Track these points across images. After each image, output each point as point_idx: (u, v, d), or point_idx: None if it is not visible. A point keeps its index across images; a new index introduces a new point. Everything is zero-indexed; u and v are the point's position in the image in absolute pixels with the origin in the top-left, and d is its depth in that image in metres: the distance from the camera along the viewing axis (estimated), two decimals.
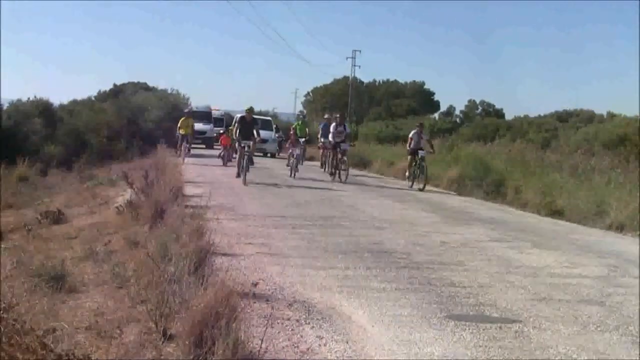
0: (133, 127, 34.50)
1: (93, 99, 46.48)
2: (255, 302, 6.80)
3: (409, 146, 22.30)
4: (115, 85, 52.63)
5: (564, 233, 13.36)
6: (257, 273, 8.30)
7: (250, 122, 20.93)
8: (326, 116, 28.63)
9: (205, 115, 39.14)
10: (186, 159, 26.73)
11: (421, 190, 20.82)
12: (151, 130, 34.40)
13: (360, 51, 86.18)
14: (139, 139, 32.77)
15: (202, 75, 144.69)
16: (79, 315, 7.12)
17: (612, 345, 6.27)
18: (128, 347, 5.70)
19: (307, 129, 29.28)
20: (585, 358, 5.85)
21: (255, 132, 20.72)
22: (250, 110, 21.45)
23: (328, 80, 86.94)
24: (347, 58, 77.39)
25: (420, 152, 21.79)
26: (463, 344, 6.08)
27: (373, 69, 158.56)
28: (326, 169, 26.58)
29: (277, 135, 39.90)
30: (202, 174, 21.25)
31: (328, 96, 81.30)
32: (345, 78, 79.53)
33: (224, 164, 26.80)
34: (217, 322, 5.26)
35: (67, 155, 30.99)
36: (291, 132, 26.99)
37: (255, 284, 7.36)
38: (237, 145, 20.99)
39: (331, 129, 23.40)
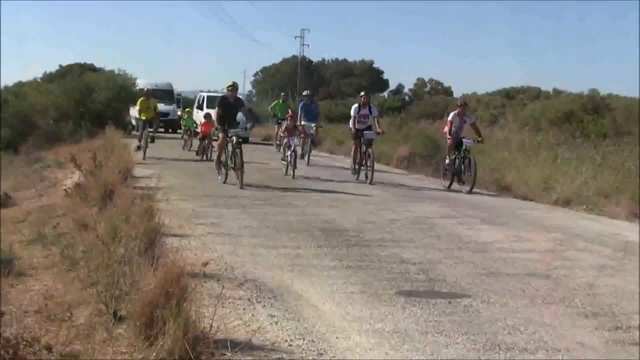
0: (81, 108, 33.94)
1: (39, 80, 45.62)
2: (206, 282, 6.78)
3: (449, 133, 16.74)
4: (61, 66, 51.74)
5: (513, 209, 13.54)
6: (208, 253, 8.29)
7: (234, 104, 15.66)
8: (305, 93, 23.90)
9: (167, 94, 35.94)
10: (148, 151, 21.07)
11: (469, 192, 15.65)
12: (99, 111, 33.87)
13: (308, 30, 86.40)
14: (87, 121, 32.27)
15: (148, 54, 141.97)
16: (28, 299, 7.04)
17: (558, 317, 6.39)
18: (78, 329, 5.65)
19: (289, 110, 23.50)
20: (532, 330, 5.96)
21: (242, 114, 16.25)
22: (234, 88, 15.88)
23: (277, 59, 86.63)
24: (295, 37, 77.26)
25: (465, 142, 16.37)
26: (413, 319, 6.16)
27: (322, 48, 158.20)
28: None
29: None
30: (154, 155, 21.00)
31: (278, 76, 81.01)
32: (295, 57, 79.31)
33: (204, 158, 21.84)
34: (167, 302, 5.23)
35: (13, 137, 30.45)
36: (288, 116, 19.36)
37: (205, 264, 7.31)
38: (219, 135, 16.02)
39: (352, 112, 17.55)
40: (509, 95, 52.84)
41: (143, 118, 22.07)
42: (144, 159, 19.76)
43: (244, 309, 6.25)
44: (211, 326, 5.16)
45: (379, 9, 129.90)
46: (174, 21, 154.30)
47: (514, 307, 6.65)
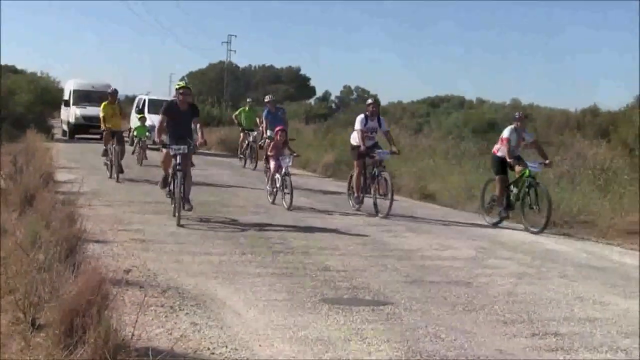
0: (1, 111, 33.19)
1: None
2: (128, 290, 6.71)
3: (508, 155, 12.71)
4: None
5: (437, 217, 13.69)
6: (131, 260, 8.21)
7: (186, 113, 11.69)
8: (268, 99, 19.72)
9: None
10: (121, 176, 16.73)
11: (539, 233, 12.00)
12: (21, 114, 33.17)
13: (235, 36, 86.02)
14: (8, 124, 31.54)
15: (73, 57, 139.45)
16: None
17: (478, 324, 6.50)
18: None
19: (257, 119, 22.01)
20: (453, 337, 6.05)
21: (198, 127, 11.90)
22: (186, 92, 11.80)
23: (204, 64, 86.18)
24: (222, 42, 76.89)
25: (531, 166, 12.62)
26: (337, 326, 6.19)
27: (249, 54, 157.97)
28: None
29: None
30: (76, 159, 20.63)
31: (204, 81, 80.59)
32: (221, 63, 79.00)
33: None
34: (88, 310, 5.16)
35: None
36: (276, 133, 14.69)
37: (128, 271, 7.26)
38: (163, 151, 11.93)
39: (357, 125, 13.73)
40: (433, 103, 53.65)
41: (109, 126, 17.25)
42: (118, 181, 16.26)
43: (166, 316, 6.19)
44: (132, 334, 5.10)
45: (305, 16, 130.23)
46: (98, 22, 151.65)
47: (436, 315, 6.73)
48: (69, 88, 34.93)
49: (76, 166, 18.63)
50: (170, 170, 11.55)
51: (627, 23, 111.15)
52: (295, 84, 79.35)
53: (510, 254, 10.08)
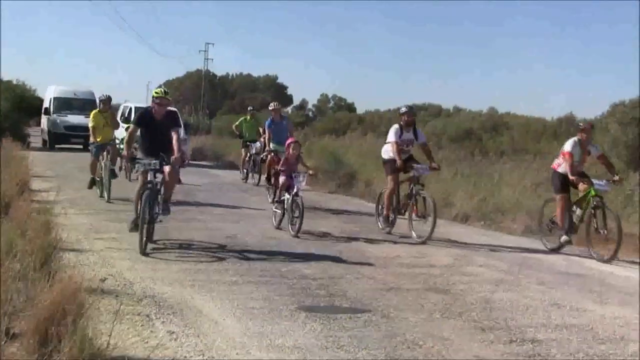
0: None
1: None
2: (103, 298, 6.68)
3: (571, 172, 11.14)
4: None
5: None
6: (107, 268, 8.17)
7: (162, 123, 10.08)
8: (272, 107, 17.27)
9: (89, 105, 28.15)
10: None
11: (608, 262, 10.52)
12: None
13: (213, 44, 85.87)
14: None
15: (47, 65, 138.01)
16: None
17: (455, 331, 6.51)
18: None
19: (260, 129, 19.62)
20: (431, 344, 6.06)
21: (174, 140, 9.94)
22: (163, 99, 10.16)
23: (181, 73, 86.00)
24: (199, 51, 76.83)
25: (597, 184, 11.19)
26: (314, 334, 6.17)
27: (227, 63, 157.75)
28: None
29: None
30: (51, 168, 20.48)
31: (181, 89, 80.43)
32: (199, 71, 78.92)
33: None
34: (63, 319, 5.12)
35: None
36: (289, 146, 12.51)
37: (103, 280, 7.24)
38: (133, 168, 11.93)
39: (391, 137, 12.15)
40: None
41: (97, 140, 15.04)
42: (108, 200, 14.21)
43: (142, 325, 6.15)
44: (108, 343, 5.06)
45: (282, 24, 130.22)
46: (74, 29, 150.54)
47: (413, 322, 6.74)
48: (49, 95, 33.19)
49: (52, 175, 18.48)
50: (147, 196, 9.50)
51: (604, 32, 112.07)
52: (273, 91, 79.35)
53: (486, 261, 10.07)
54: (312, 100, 79.16)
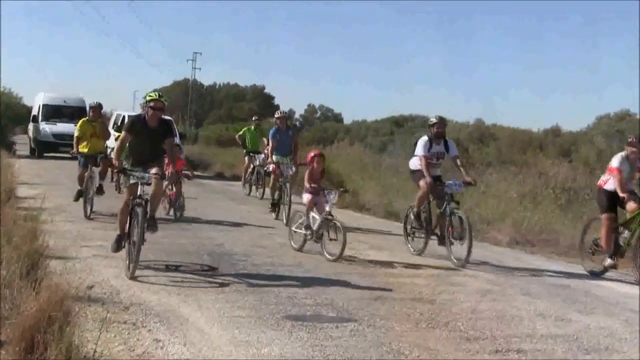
0: None
1: None
2: (90, 306, 6.67)
3: (621, 189, 10.05)
4: None
5: (400, 234, 13.70)
6: (93, 276, 8.15)
7: (155, 131, 9.18)
8: (278, 115, 15.85)
9: (79, 112, 27.07)
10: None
11: None
12: None
13: (200, 53, 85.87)
14: None
15: (33, 73, 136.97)
16: None
17: (441, 341, 6.54)
18: None
19: (264, 140, 18.74)
20: (417, 354, 6.08)
21: (169, 152, 9.70)
22: (158, 105, 9.13)
23: (168, 82, 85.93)
24: (187, 60, 76.74)
25: None
26: (300, 343, 6.19)
27: (214, 72, 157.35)
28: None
29: None
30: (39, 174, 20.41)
31: (169, 98, 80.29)
32: (186, 80, 78.82)
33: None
34: (49, 326, 5.13)
35: None
36: (313, 154, 11.28)
37: (90, 287, 7.23)
38: (122, 181, 10.95)
39: (420, 150, 11.15)
40: (397, 122, 53.86)
41: (84, 151, 13.65)
42: (87, 216, 13.03)
43: (128, 333, 6.15)
44: (95, 351, 5.07)
45: (268, 33, 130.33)
46: (65, 39, 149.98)
47: (399, 331, 6.76)
48: (38, 102, 32.18)
49: (39, 182, 18.42)
50: (137, 213, 8.64)
51: (590, 44, 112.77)
52: (260, 101, 79.49)
53: (472, 272, 10.10)
54: (299, 111, 79.56)
